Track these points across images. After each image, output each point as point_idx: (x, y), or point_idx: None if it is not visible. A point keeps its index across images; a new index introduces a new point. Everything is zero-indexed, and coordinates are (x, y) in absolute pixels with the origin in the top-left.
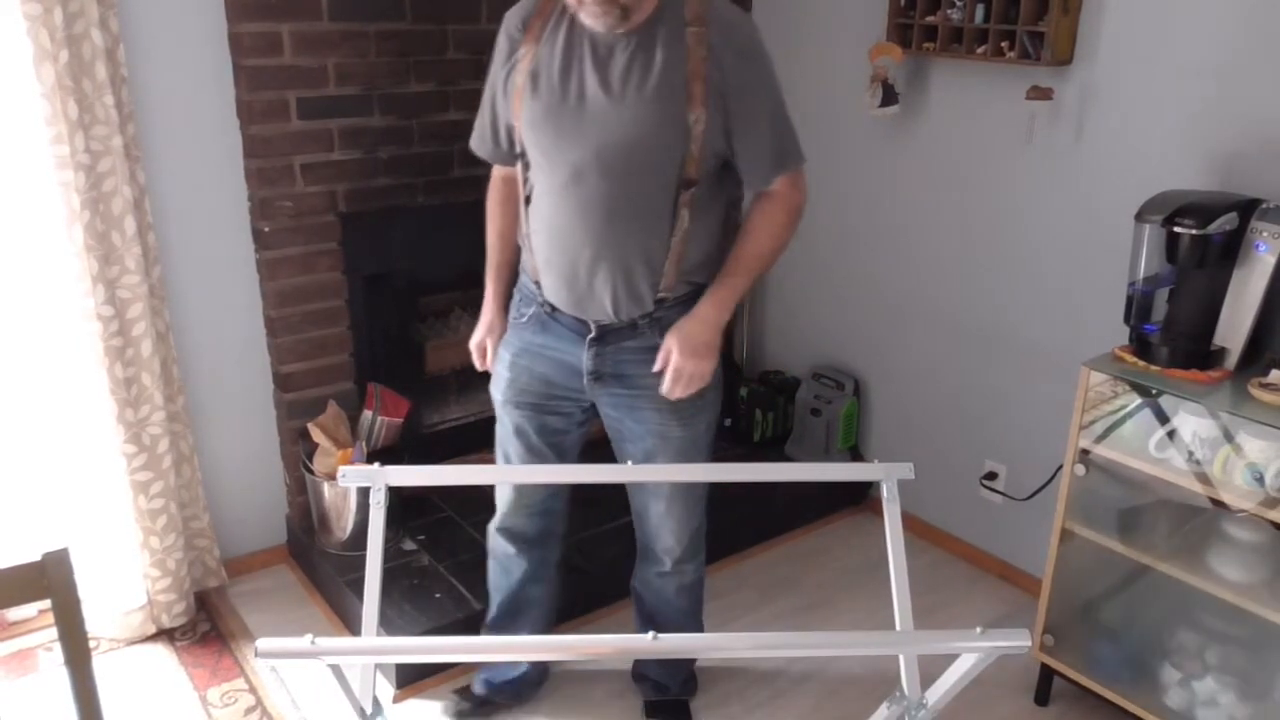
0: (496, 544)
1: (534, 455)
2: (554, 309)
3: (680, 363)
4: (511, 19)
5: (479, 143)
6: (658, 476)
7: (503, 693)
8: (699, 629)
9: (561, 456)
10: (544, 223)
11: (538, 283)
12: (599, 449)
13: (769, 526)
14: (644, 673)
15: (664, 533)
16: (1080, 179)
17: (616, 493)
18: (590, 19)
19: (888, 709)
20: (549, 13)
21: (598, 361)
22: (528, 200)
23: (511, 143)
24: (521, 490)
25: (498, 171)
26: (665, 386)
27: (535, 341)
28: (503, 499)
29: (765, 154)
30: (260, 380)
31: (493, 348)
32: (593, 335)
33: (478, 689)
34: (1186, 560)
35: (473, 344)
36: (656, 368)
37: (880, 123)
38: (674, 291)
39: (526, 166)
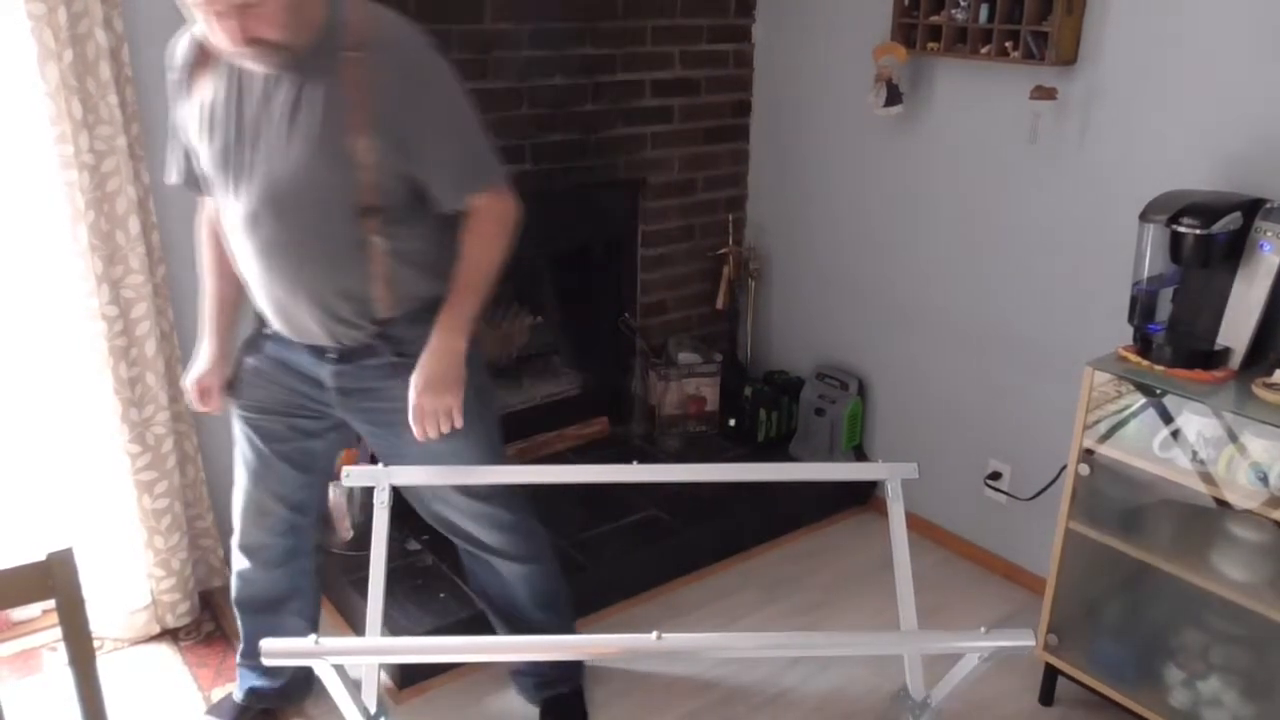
0: (237, 562)
1: (266, 469)
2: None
3: (418, 401)
4: (177, 52)
5: (177, 174)
6: (659, 477)
7: (265, 698)
8: (559, 626)
9: (305, 469)
10: (240, 261)
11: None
12: (599, 449)
13: (773, 526)
14: (520, 669)
15: (479, 532)
16: (1084, 179)
17: (615, 493)
18: (248, 62)
19: (891, 708)
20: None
21: (341, 379)
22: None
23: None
24: (258, 502)
25: (209, 201)
26: (414, 430)
27: (276, 353)
28: (239, 512)
29: (452, 175)
30: None
31: (217, 388)
32: (332, 357)
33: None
34: (1190, 560)
35: (187, 382)
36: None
37: (884, 122)
38: (400, 309)
39: (209, 192)
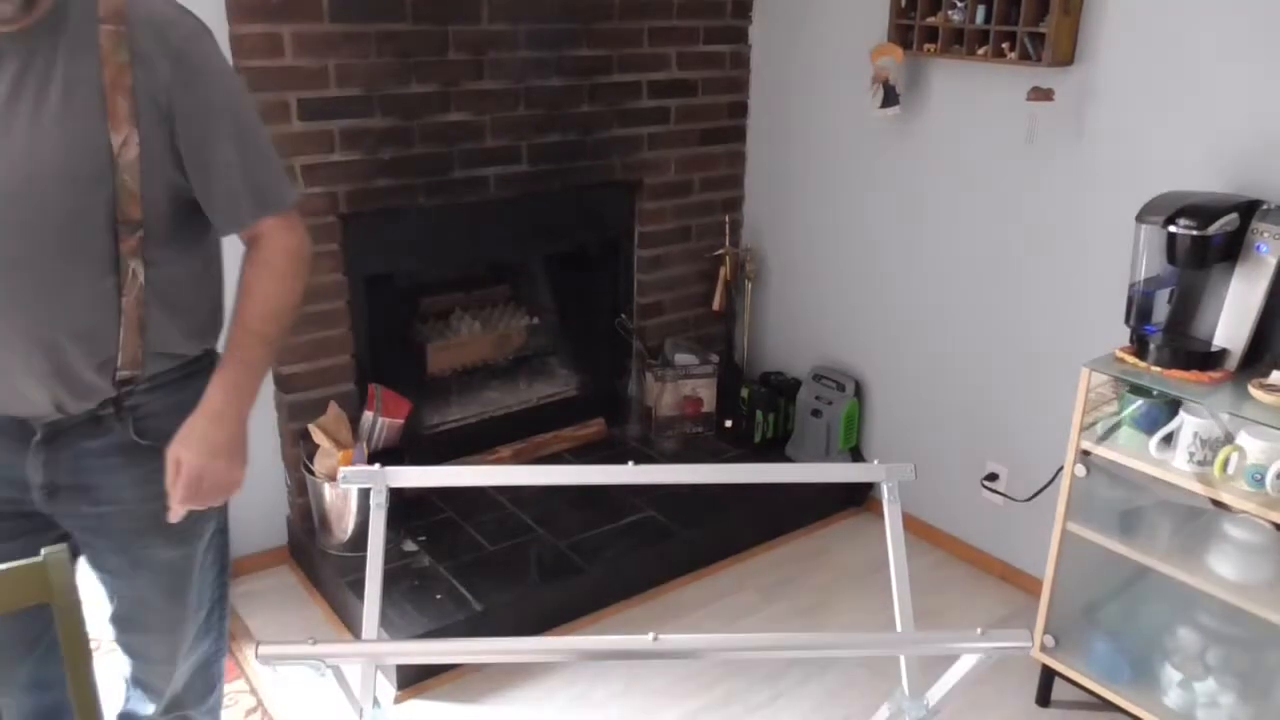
0: None
1: None
2: None
3: (197, 465)
4: None
5: None
6: (655, 478)
7: None
8: None
9: (23, 640)
10: None
11: None
12: (596, 450)
13: (770, 527)
14: None
15: (149, 672)
16: (1081, 180)
17: (612, 494)
18: None
19: (888, 710)
20: None
21: (51, 471)
22: None
23: None
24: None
25: None
26: (176, 496)
27: None
28: None
29: (232, 191)
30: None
31: None
32: (38, 437)
33: None
34: (1187, 561)
35: None
36: (169, 482)
37: (881, 124)
38: (147, 369)
39: None
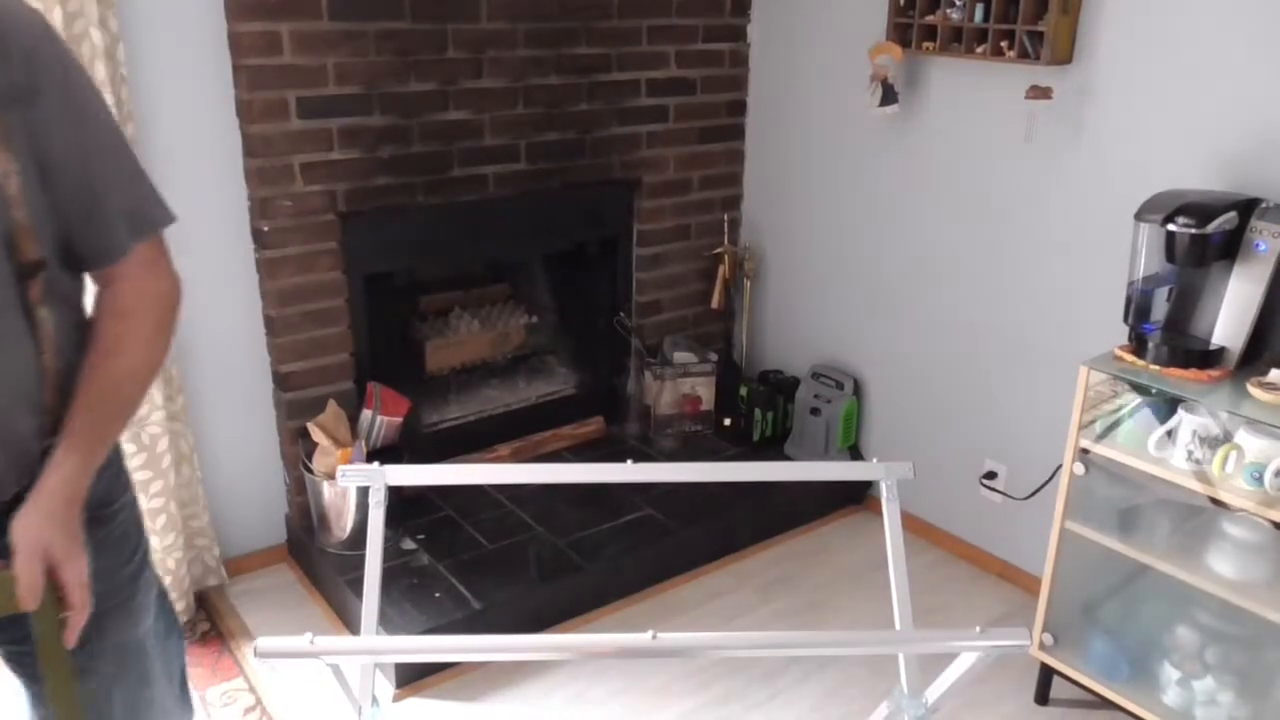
0: None
1: None
2: None
3: (23, 563)
4: None
5: None
6: (654, 476)
7: None
8: None
9: None
10: None
11: None
12: (595, 448)
13: (768, 526)
14: None
15: None
16: (1079, 178)
17: (611, 493)
18: None
19: (887, 708)
20: None
21: None
22: None
23: None
24: None
25: None
26: (25, 582)
27: None
28: None
29: (96, 212)
30: (260, 379)
31: None
32: None
33: None
34: (1186, 559)
35: None
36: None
37: (880, 122)
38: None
39: None
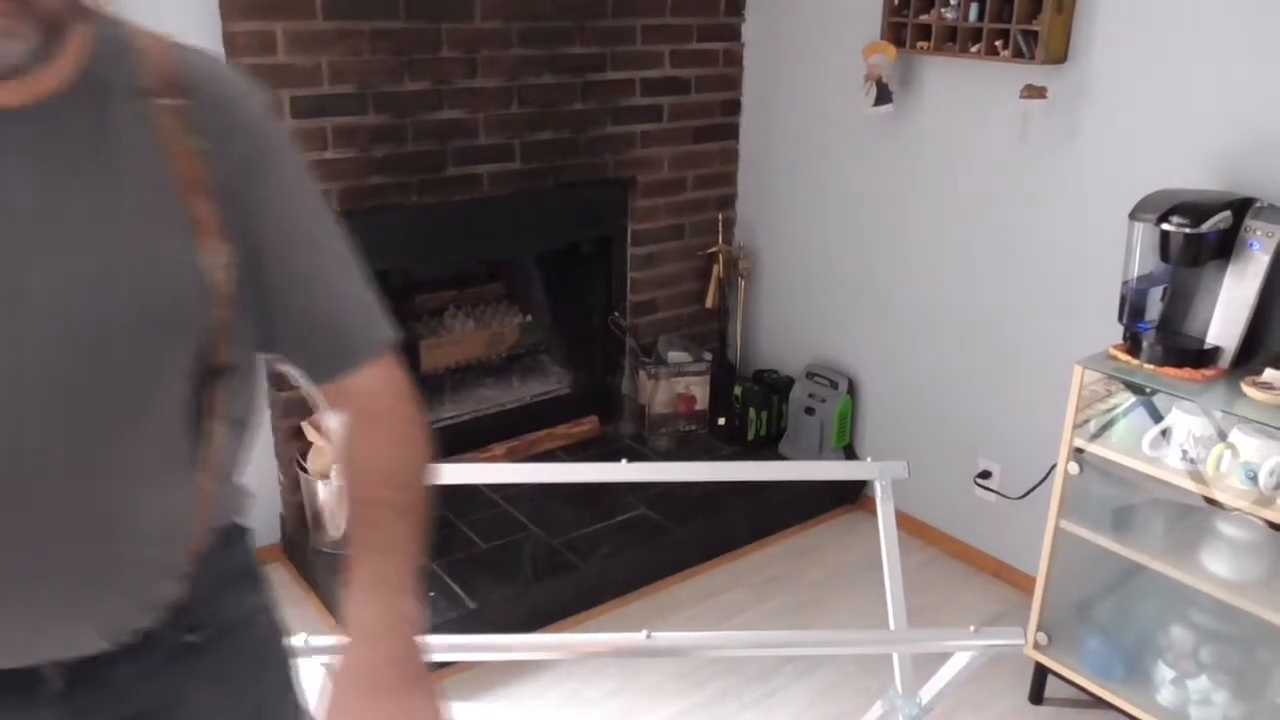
0: None
1: None
2: None
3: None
4: None
5: None
6: (648, 475)
7: None
8: None
9: None
10: None
11: None
12: (589, 447)
13: (763, 525)
14: None
15: None
16: (1074, 178)
17: (605, 492)
18: None
19: (882, 708)
20: None
21: None
22: None
23: None
24: None
25: None
26: None
27: None
28: None
29: (330, 323)
30: None
31: None
32: (58, 688)
33: None
34: (1180, 559)
35: None
36: None
37: (874, 121)
38: (206, 546)
39: None
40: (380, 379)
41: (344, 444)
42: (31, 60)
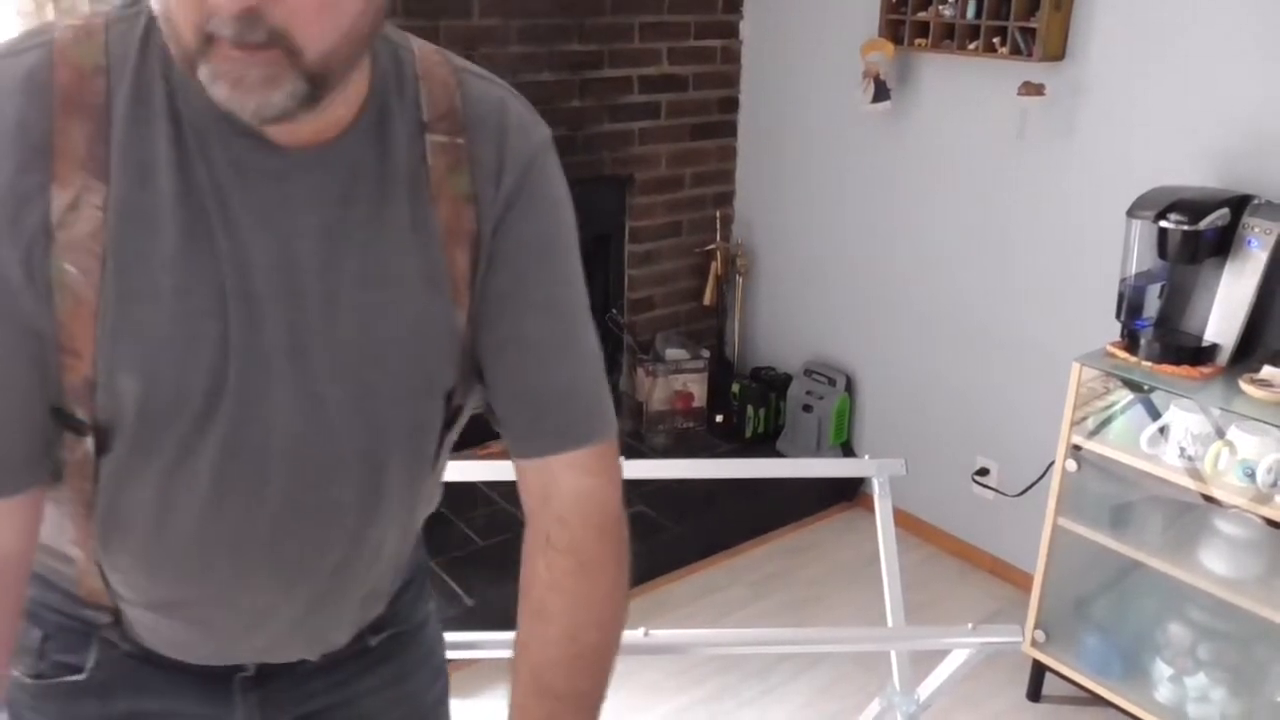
0: None
1: None
2: (148, 652)
3: None
4: (10, 111)
5: None
6: (646, 473)
7: None
8: None
9: None
10: (153, 551)
11: (109, 609)
12: None
13: (761, 523)
14: None
15: None
16: (1072, 175)
17: None
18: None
19: (880, 705)
20: (103, 107)
21: (268, 710)
22: (90, 506)
23: (42, 413)
24: None
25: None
26: None
27: (96, 714)
28: None
29: (548, 394)
30: None
31: None
32: (248, 674)
33: None
34: (1178, 556)
35: None
36: None
37: (872, 119)
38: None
39: (103, 448)
40: (592, 470)
41: (525, 586)
42: (299, 107)
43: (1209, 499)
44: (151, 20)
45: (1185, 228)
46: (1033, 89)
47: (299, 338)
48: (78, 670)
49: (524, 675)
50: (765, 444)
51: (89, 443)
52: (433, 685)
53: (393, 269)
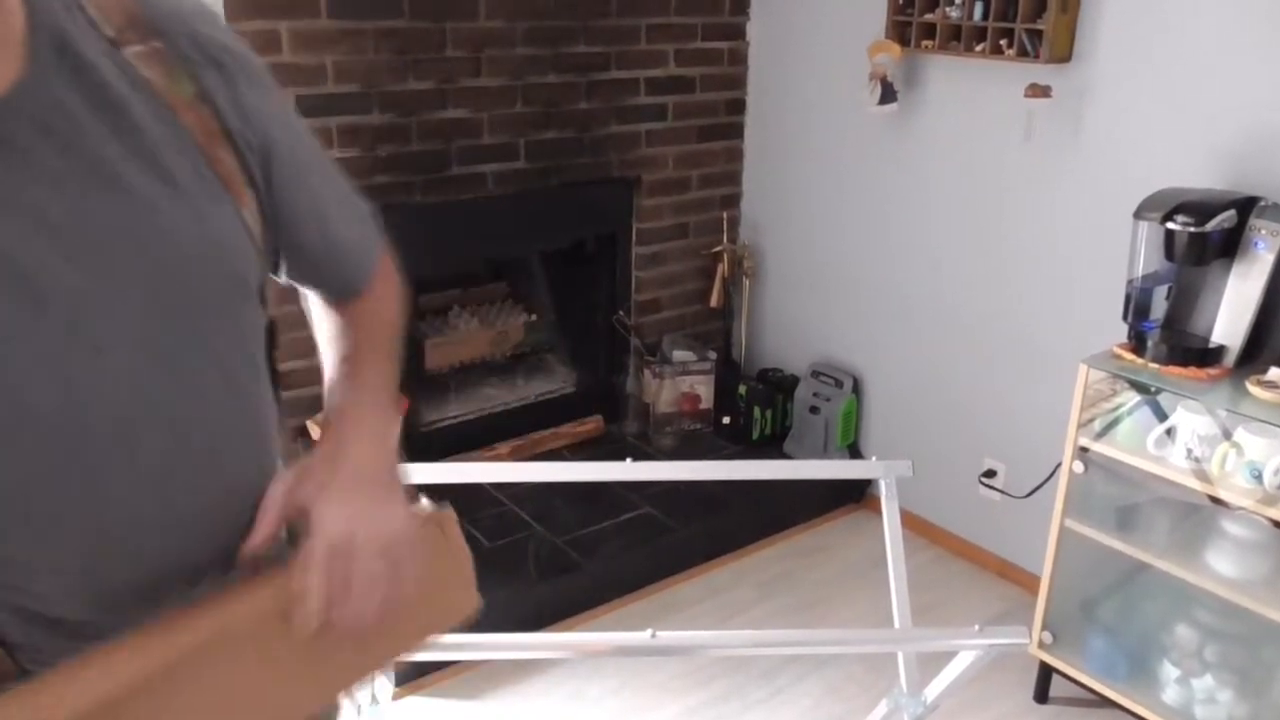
0: None
1: None
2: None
3: (346, 530)
4: None
5: None
6: (653, 475)
7: None
8: None
9: None
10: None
11: None
12: (594, 446)
13: (768, 524)
14: None
15: None
16: (1078, 176)
17: (610, 491)
18: None
19: (887, 706)
20: None
21: None
22: None
23: None
24: None
25: None
26: (312, 602)
27: None
28: None
29: (340, 253)
30: None
31: None
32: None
33: None
34: (1185, 557)
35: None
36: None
37: (878, 121)
38: None
39: None
40: (380, 281)
41: (350, 312)
42: None
43: (1216, 500)
44: None
45: (1192, 229)
46: (1039, 91)
47: (87, 301)
48: None
49: (354, 338)
50: (772, 446)
51: None
52: None
53: (160, 195)
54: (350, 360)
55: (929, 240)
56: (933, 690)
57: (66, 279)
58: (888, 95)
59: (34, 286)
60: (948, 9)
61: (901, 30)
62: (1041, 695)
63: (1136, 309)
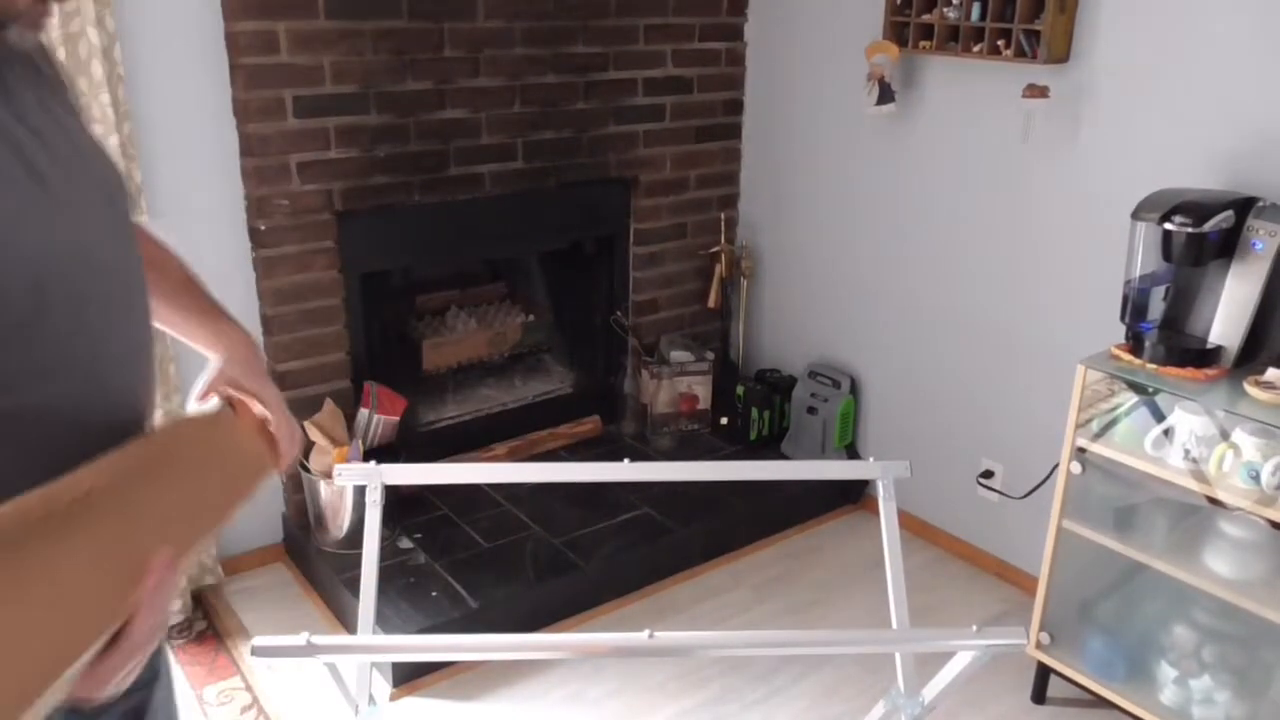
0: None
1: None
2: None
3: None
4: None
5: None
6: (651, 475)
7: None
8: None
9: None
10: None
11: None
12: (591, 447)
13: (765, 525)
14: None
15: None
16: (1076, 177)
17: (608, 492)
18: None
19: (884, 707)
20: None
21: None
22: None
23: None
24: None
25: None
26: (296, 438)
27: None
28: None
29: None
30: None
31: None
32: None
33: None
34: (1183, 558)
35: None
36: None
37: (877, 121)
38: None
39: None
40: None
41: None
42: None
43: (1213, 501)
44: None
45: (1190, 230)
46: (1037, 91)
47: (65, 186)
48: None
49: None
50: (770, 446)
51: None
52: None
53: (80, 129)
54: (196, 295)
55: (927, 240)
56: (930, 691)
57: (52, 172)
58: (885, 96)
59: (38, 172)
60: (945, 9)
61: (899, 31)
62: (1039, 696)
63: (1134, 309)
